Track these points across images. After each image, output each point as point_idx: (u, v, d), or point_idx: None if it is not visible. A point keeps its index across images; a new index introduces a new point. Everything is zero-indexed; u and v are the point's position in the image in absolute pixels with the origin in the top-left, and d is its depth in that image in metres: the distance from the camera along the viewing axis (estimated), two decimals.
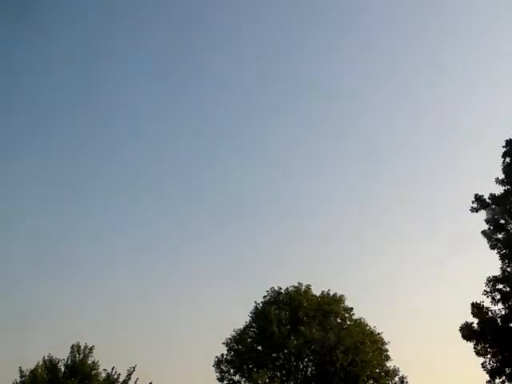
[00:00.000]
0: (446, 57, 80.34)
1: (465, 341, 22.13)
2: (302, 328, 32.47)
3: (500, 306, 22.46)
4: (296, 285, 35.78)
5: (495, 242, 23.11)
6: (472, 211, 23.55)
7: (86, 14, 72.88)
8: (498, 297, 22.68)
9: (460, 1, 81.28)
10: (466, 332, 22.24)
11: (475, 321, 22.43)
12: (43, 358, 24.73)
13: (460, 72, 79.19)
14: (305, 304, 34.07)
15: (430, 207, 69.24)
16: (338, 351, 32.38)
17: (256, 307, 35.42)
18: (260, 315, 34.34)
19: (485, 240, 23.29)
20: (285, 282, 36.47)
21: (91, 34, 72.85)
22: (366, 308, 45.46)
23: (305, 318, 33.53)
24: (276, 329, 32.54)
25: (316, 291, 35.79)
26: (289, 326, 33.26)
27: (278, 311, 33.68)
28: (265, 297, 35.64)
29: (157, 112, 79.91)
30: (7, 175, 65.31)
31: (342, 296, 35.11)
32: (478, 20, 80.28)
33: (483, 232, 23.31)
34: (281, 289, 35.79)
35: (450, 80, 79.07)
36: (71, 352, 24.96)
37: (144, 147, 79.08)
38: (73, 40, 74.94)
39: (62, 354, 25.19)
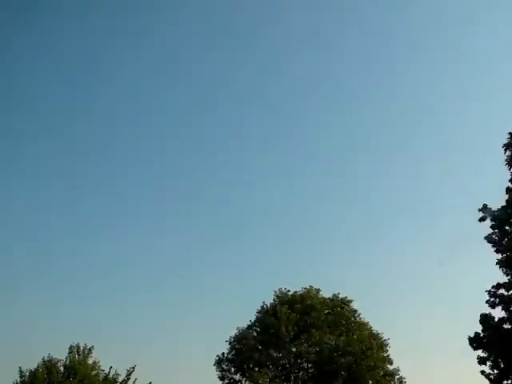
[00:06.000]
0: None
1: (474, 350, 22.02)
2: (312, 330, 32.14)
3: (504, 313, 22.25)
4: (307, 287, 35.54)
5: (500, 247, 22.81)
6: (480, 221, 23.33)
7: (86, 14, 73.24)
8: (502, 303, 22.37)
9: None
10: (475, 343, 22.04)
11: (479, 328, 22.29)
12: (43, 359, 24.96)
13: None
14: (318, 306, 33.85)
15: (431, 207, 69.46)
16: (345, 355, 32.24)
17: (263, 306, 35.23)
18: (268, 313, 34.15)
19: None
20: (287, 284, 36.39)
21: (93, 34, 73.48)
22: (365, 308, 45.15)
23: (316, 321, 33.29)
24: (283, 328, 32.30)
25: (326, 295, 35.65)
26: (296, 327, 33.13)
27: (289, 311, 33.43)
28: (275, 297, 35.38)
29: (158, 110, 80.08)
30: (7, 175, 65.70)
31: (350, 300, 35.01)
32: None
33: (487, 237, 22.98)
34: (289, 291, 35.67)
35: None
36: (70, 352, 25.15)
37: (147, 146, 79.51)
38: (73, 40, 75.46)
39: (62, 355, 25.45)
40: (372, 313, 49.59)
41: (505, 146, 22.85)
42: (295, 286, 35.98)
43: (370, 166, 78.08)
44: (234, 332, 34.72)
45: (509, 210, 22.51)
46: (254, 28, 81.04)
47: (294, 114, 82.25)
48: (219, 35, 78.35)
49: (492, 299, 22.37)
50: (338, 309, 34.12)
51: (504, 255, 22.62)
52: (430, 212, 70.24)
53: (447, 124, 79.18)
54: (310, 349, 32.46)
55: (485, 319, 22.40)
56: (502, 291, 22.54)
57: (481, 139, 71.16)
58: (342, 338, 32.84)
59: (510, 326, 21.93)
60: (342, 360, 31.93)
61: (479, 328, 22.42)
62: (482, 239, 23.28)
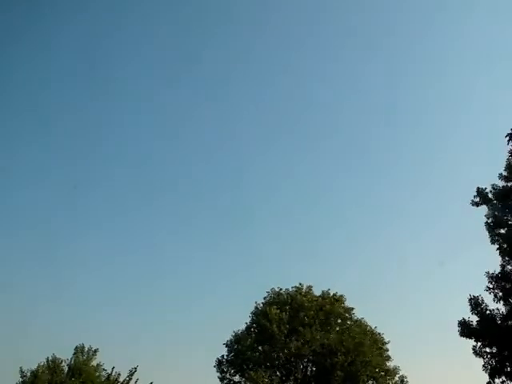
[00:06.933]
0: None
1: (463, 338, 21.59)
2: (302, 329, 32.02)
3: (501, 303, 21.91)
4: (297, 285, 35.42)
5: (496, 237, 22.53)
6: (473, 205, 23.04)
7: (86, 14, 73.49)
8: (500, 294, 22.05)
9: None
10: (465, 329, 21.58)
11: (474, 318, 21.91)
12: (47, 359, 24.83)
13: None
14: (306, 304, 33.63)
15: (431, 207, 69.30)
16: (338, 352, 32.04)
17: (256, 307, 35.09)
18: (260, 315, 33.99)
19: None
20: (286, 283, 36.35)
21: (93, 34, 73.82)
22: (366, 308, 45.01)
23: (306, 319, 33.13)
24: (276, 329, 32.12)
25: (317, 292, 35.52)
26: (288, 326, 32.92)
27: (278, 311, 33.29)
28: (265, 297, 35.35)
29: (158, 110, 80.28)
30: (7, 174, 65.97)
31: (341, 296, 34.69)
32: None
33: (486, 224, 22.60)
34: (281, 289, 35.55)
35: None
36: (74, 353, 25.11)
37: (147, 146, 79.72)
38: (73, 40, 75.64)
39: (61, 355, 25.35)
40: (372, 312, 49.46)
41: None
42: (292, 285, 35.78)
43: (371, 166, 78.17)
44: (231, 334, 34.44)
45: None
46: (254, 27, 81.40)
47: (294, 113, 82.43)
48: (219, 34, 78.80)
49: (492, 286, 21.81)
50: (327, 306, 33.87)
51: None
52: (431, 212, 70.06)
53: (447, 124, 79.20)
54: (304, 347, 32.12)
55: (476, 303, 21.87)
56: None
57: (481, 139, 70.94)
58: (332, 335, 32.62)
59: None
60: (336, 358, 31.70)
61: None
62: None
